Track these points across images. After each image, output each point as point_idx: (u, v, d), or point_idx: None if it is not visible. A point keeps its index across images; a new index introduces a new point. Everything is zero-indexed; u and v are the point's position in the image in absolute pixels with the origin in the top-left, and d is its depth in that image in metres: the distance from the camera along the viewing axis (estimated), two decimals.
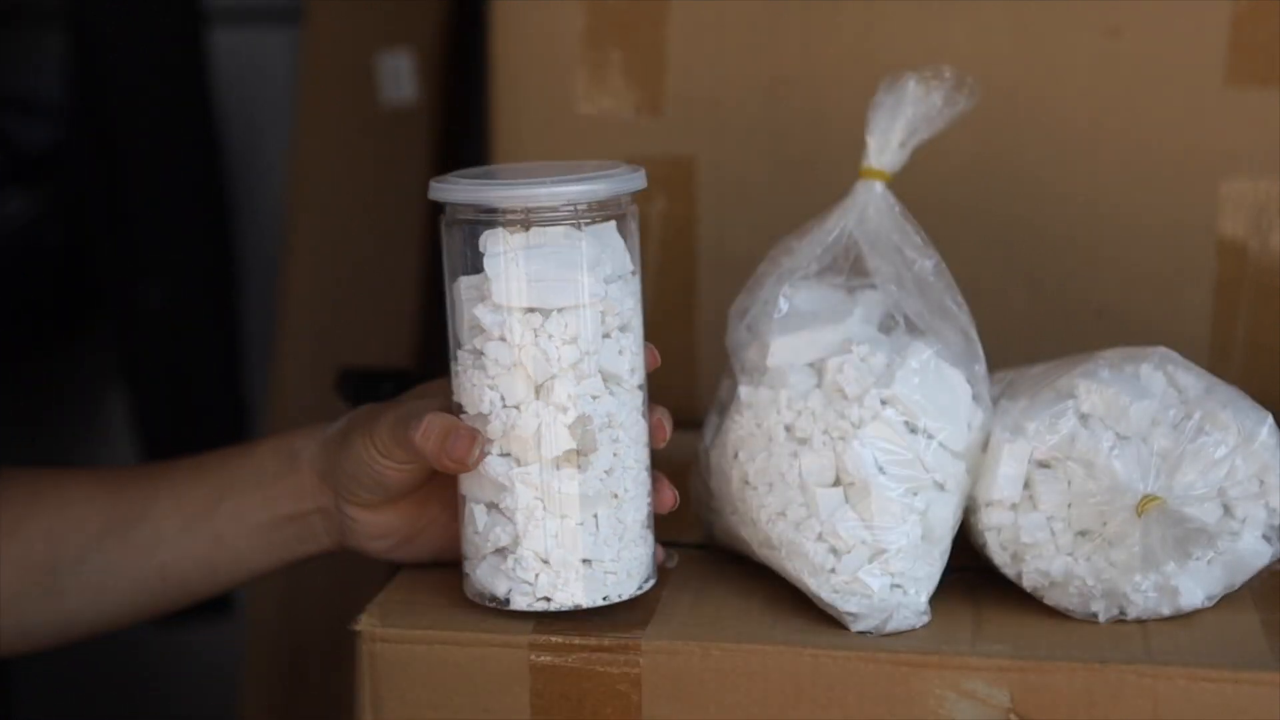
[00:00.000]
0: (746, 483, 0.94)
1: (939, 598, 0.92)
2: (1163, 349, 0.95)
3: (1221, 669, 0.86)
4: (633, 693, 0.89)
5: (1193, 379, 0.94)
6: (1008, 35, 1.16)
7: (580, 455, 0.90)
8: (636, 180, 0.90)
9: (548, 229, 0.89)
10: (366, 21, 1.86)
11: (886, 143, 0.95)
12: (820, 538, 0.91)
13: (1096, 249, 1.17)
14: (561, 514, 0.90)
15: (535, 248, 0.89)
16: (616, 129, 1.19)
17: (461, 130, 1.93)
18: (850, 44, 1.17)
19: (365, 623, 0.91)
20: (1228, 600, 0.93)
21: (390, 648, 0.91)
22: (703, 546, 1.01)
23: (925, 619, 0.91)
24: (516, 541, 0.90)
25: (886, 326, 0.95)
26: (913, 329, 0.94)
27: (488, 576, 0.92)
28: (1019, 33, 1.16)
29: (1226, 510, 0.92)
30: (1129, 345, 0.97)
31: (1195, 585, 0.92)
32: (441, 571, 0.97)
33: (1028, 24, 1.16)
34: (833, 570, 0.91)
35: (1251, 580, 0.94)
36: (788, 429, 0.92)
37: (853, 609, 0.90)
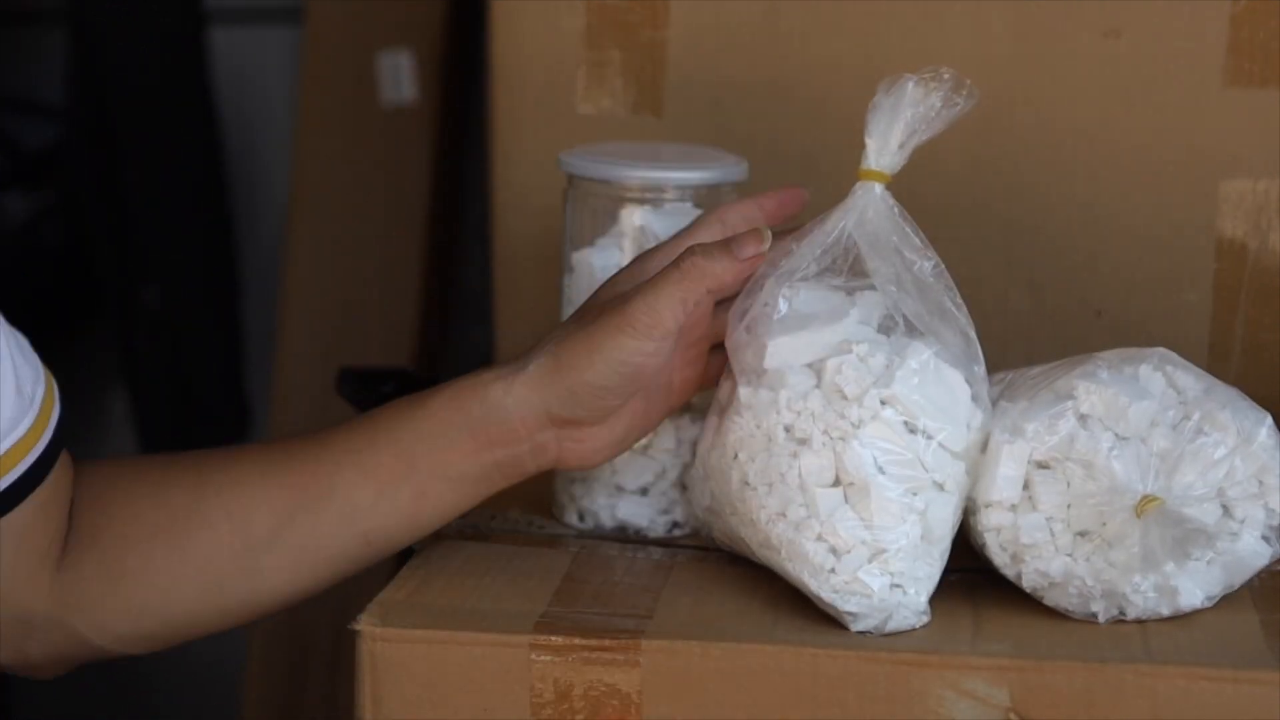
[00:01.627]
0: (746, 484, 0.94)
1: (939, 597, 0.92)
2: (1161, 350, 0.95)
3: (1221, 669, 0.86)
4: (633, 692, 0.89)
5: (1192, 379, 0.94)
6: (1008, 36, 1.16)
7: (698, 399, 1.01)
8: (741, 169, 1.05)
9: (683, 204, 1.02)
10: (366, 21, 1.87)
11: (885, 144, 0.95)
12: (820, 538, 0.91)
13: (1095, 250, 1.17)
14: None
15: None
16: (616, 129, 1.19)
17: (461, 130, 1.93)
18: (850, 44, 1.17)
19: (365, 623, 0.91)
20: (1227, 600, 0.93)
21: (390, 648, 0.90)
22: (702, 548, 1.01)
23: (925, 619, 0.91)
24: (662, 477, 1.03)
25: (886, 327, 0.95)
26: (912, 330, 0.94)
27: (630, 510, 1.03)
28: (1019, 33, 1.16)
29: (1226, 511, 0.92)
30: (1128, 346, 0.97)
31: (1194, 586, 0.92)
32: (442, 572, 0.97)
33: (1027, 24, 1.16)
34: (832, 570, 0.91)
35: (1251, 580, 0.94)
36: (787, 430, 0.92)
37: (853, 609, 0.90)
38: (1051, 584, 0.92)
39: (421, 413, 0.97)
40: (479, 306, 1.09)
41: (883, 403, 0.91)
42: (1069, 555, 0.91)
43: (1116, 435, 0.91)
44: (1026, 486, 0.92)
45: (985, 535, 0.93)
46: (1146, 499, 0.90)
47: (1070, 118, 1.16)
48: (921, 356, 0.92)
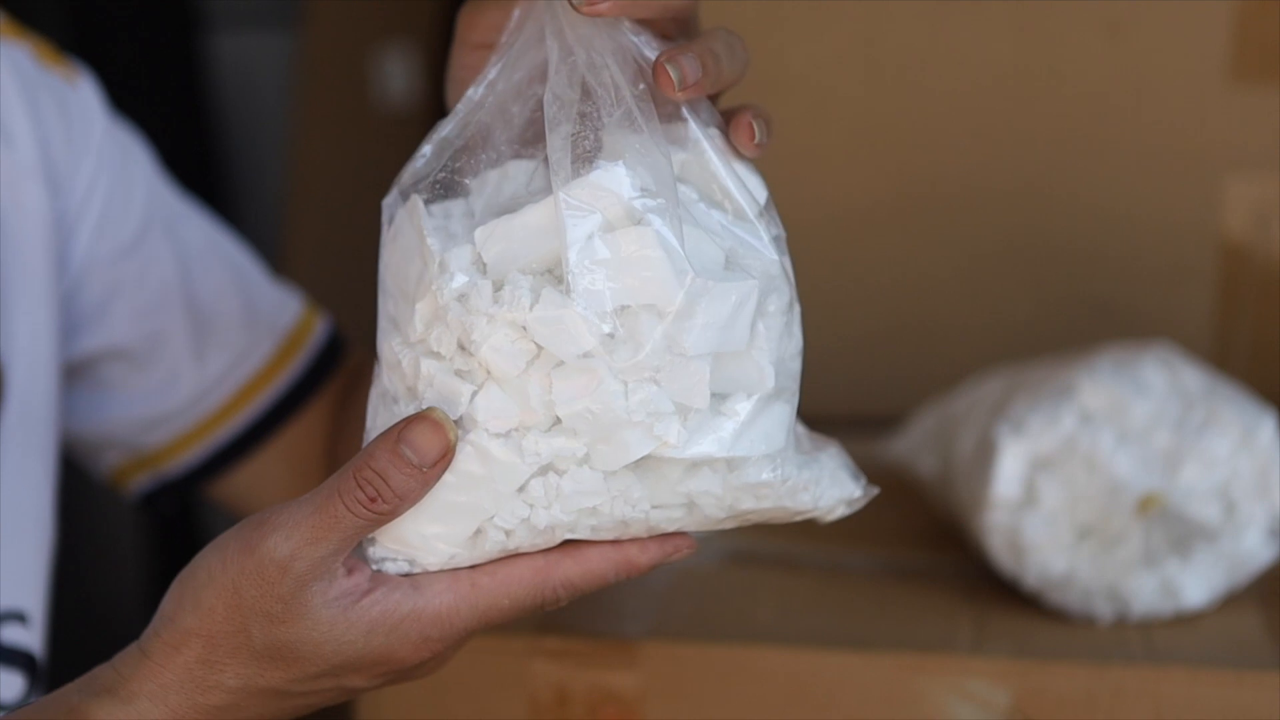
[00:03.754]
0: None
1: (939, 597, 0.92)
2: (1165, 343, 0.95)
3: (1223, 670, 0.86)
4: (633, 694, 0.89)
5: (1195, 375, 0.93)
6: (1008, 35, 1.16)
7: None
8: None
9: None
10: (364, 21, 1.87)
11: None
12: None
13: (1099, 247, 1.17)
14: None
15: None
16: None
17: None
18: (850, 44, 1.17)
19: None
20: (1229, 599, 0.93)
21: None
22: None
23: None
24: None
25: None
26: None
27: None
28: (1019, 32, 1.16)
29: (1228, 509, 0.92)
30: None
31: (1197, 584, 0.91)
32: None
33: (1028, 23, 1.16)
34: None
35: (1253, 579, 0.94)
36: None
37: None
38: (1053, 583, 0.92)
39: None
40: None
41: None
42: (1071, 553, 0.91)
43: (1119, 432, 0.91)
44: (1029, 484, 0.92)
45: (987, 534, 0.92)
46: (1149, 497, 0.90)
47: (1072, 115, 1.16)
48: None
